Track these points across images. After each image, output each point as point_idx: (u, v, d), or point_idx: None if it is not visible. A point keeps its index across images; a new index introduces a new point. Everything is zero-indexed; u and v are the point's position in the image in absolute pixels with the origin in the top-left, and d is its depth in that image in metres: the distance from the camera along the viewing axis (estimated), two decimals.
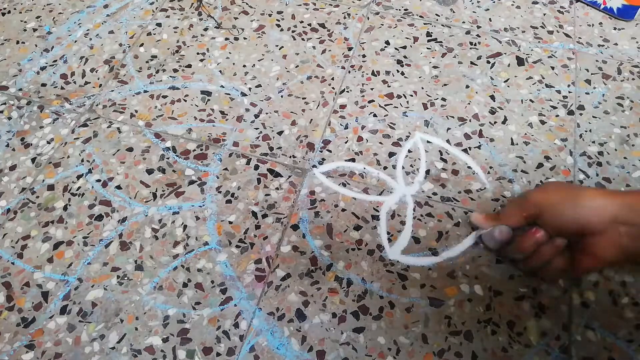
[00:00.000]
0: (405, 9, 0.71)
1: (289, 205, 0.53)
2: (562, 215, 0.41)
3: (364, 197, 0.54)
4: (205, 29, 0.69)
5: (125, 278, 0.49)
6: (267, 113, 0.60)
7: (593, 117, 0.59)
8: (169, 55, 0.66)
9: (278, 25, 0.69)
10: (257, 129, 0.59)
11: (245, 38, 0.68)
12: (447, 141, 0.57)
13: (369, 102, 0.61)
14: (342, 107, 0.61)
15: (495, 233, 0.44)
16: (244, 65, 0.65)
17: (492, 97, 0.61)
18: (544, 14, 0.70)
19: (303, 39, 0.67)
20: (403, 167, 0.56)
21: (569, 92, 0.62)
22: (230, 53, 0.66)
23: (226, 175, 0.56)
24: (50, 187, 0.55)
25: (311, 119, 0.60)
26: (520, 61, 0.64)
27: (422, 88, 0.62)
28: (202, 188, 0.55)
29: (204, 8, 0.72)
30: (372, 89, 0.62)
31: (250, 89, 0.62)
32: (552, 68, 0.64)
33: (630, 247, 0.40)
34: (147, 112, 0.61)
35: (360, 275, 0.49)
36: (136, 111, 0.61)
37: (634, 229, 0.39)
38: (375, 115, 0.60)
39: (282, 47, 0.67)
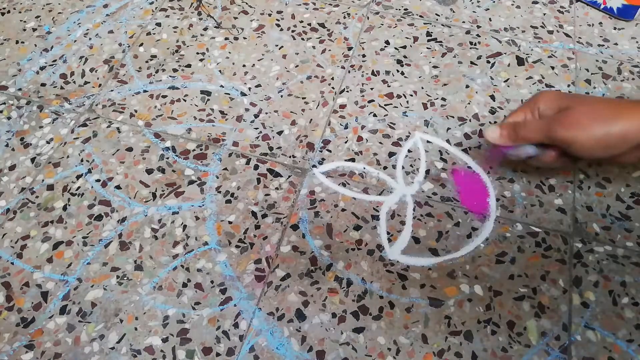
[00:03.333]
0: (405, 9, 0.71)
1: (288, 205, 0.53)
2: (592, 153, 0.43)
3: (364, 197, 0.54)
4: (205, 29, 0.69)
5: (125, 278, 0.49)
6: (266, 113, 0.60)
7: None
8: (168, 55, 0.66)
9: (278, 25, 0.69)
10: (256, 128, 0.59)
11: (245, 38, 0.68)
12: (447, 141, 0.57)
13: (369, 102, 0.61)
14: (342, 107, 0.61)
15: (522, 154, 0.47)
16: (244, 65, 0.65)
17: (492, 97, 0.61)
18: (544, 14, 0.70)
19: (303, 39, 0.67)
20: (403, 167, 0.56)
21: (569, 92, 0.61)
22: (230, 53, 0.66)
23: (226, 175, 0.56)
24: (50, 187, 0.55)
25: (311, 119, 0.60)
26: (520, 61, 0.64)
27: (422, 88, 0.62)
28: (201, 188, 0.55)
29: (203, 8, 0.72)
30: (372, 88, 0.62)
31: (250, 88, 0.62)
32: (552, 68, 0.64)
33: None
34: (147, 112, 0.61)
35: (360, 275, 0.49)
36: (136, 111, 0.61)
37: None
38: (375, 115, 0.60)
39: (282, 46, 0.67)
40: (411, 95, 0.61)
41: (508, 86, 0.62)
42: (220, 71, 0.64)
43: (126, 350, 0.45)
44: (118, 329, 0.47)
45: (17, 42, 0.68)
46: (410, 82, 0.63)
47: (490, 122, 0.59)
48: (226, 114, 0.60)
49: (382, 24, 0.69)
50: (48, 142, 0.58)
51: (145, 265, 0.50)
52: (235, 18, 0.70)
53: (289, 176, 0.55)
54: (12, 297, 0.48)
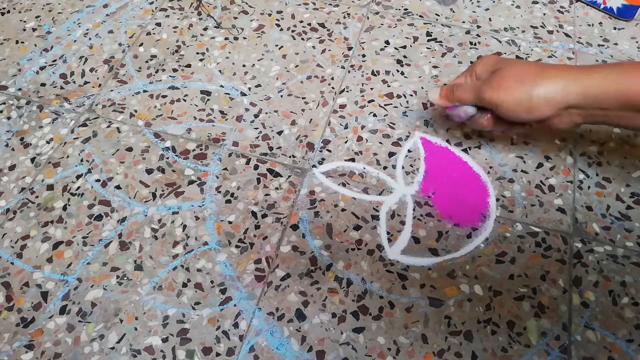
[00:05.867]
0: (405, 9, 0.71)
1: (288, 205, 0.53)
2: (518, 115, 0.45)
3: (364, 197, 0.54)
4: (205, 29, 0.69)
5: (125, 278, 0.49)
6: (266, 113, 0.60)
7: None
8: (168, 54, 0.66)
9: (278, 25, 0.69)
10: (256, 128, 0.59)
11: (244, 38, 0.68)
12: (447, 141, 0.57)
13: (369, 101, 0.61)
14: (342, 106, 0.61)
15: (461, 113, 0.49)
16: (244, 65, 0.65)
17: None
18: (544, 14, 0.70)
19: (303, 39, 0.67)
20: (403, 167, 0.56)
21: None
22: (229, 53, 0.66)
23: (226, 175, 0.56)
24: (50, 187, 0.55)
25: (311, 119, 0.60)
26: None
27: (422, 88, 0.62)
28: (201, 188, 0.55)
29: (203, 8, 0.72)
30: (372, 88, 0.62)
31: (249, 88, 0.62)
32: None
33: (581, 122, 0.44)
34: (147, 112, 0.61)
35: (360, 275, 0.49)
36: (136, 111, 0.61)
37: (585, 111, 0.43)
38: (375, 115, 0.60)
39: (282, 46, 0.67)
40: (411, 95, 0.61)
41: None
42: (220, 71, 0.64)
43: (126, 350, 0.45)
44: (118, 329, 0.47)
45: (17, 42, 0.68)
46: (410, 82, 0.63)
47: None
48: (226, 114, 0.60)
49: (382, 24, 0.69)
50: (48, 142, 0.58)
51: (145, 265, 0.50)
52: (235, 18, 0.70)
53: (289, 176, 0.55)
54: (12, 297, 0.48)
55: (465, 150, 0.57)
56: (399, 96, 0.61)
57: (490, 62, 0.47)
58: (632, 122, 0.42)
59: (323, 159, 0.56)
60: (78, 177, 0.56)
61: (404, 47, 0.66)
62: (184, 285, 0.49)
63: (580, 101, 0.42)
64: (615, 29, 0.68)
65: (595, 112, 0.43)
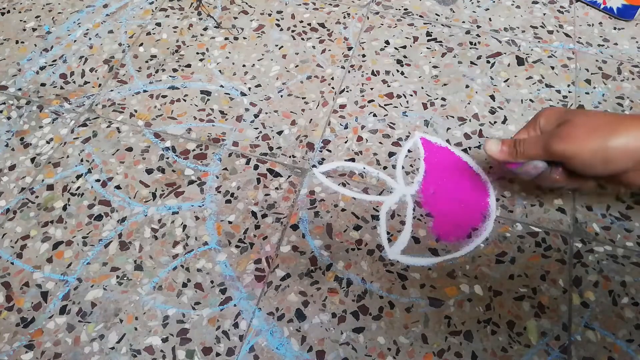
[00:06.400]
0: (405, 9, 0.71)
1: (288, 205, 0.53)
2: (593, 168, 0.40)
3: (364, 197, 0.54)
4: (205, 29, 0.69)
5: (125, 278, 0.49)
6: (266, 113, 0.60)
7: None
8: (168, 54, 0.66)
9: (278, 25, 0.69)
10: (256, 128, 0.59)
11: (244, 38, 0.68)
12: (447, 141, 0.57)
13: (369, 101, 0.61)
14: (342, 106, 0.61)
15: (530, 169, 0.44)
16: (244, 65, 0.65)
17: (492, 97, 0.61)
18: (544, 14, 0.70)
19: (303, 39, 0.67)
20: (403, 167, 0.56)
21: (569, 92, 0.61)
22: (229, 53, 0.66)
23: (226, 175, 0.56)
24: (50, 187, 0.55)
25: (311, 119, 0.60)
26: (520, 61, 0.64)
27: (422, 88, 0.62)
28: (201, 188, 0.55)
29: (203, 8, 0.72)
30: (371, 88, 0.62)
31: (249, 88, 0.62)
32: (552, 68, 0.64)
33: None
34: (147, 112, 0.61)
35: (360, 275, 0.49)
36: (136, 111, 0.61)
37: None
38: (375, 115, 0.60)
39: (282, 46, 0.67)
40: (411, 95, 0.61)
41: (508, 86, 0.62)
42: (220, 71, 0.64)
43: (126, 350, 0.45)
44: (118, 329, 0.46)
45: (17, 42, 0.68)
46: (410, 82, 0.63)
47: (490, 122, 0.59)
48: (226, 114, 0.60)
49: (382, 24, 0.69)
50: (48, 142, 0.58)
51: (145, 265, 0.50)
52: (235, 18, 0.70)
53: (289, 176, 0.55)
54: (12, 297, 0.48)
55: (465, 150, 0.57)
56: (399, 96, 0.61)
57: (555, 114, 0.43)
58: None
59: (323, 159, 0.56)
60: (78, 177, 0.56)
61: (404, 47, 0.66)
62: (184, 285, 0.49)
63: None
64: (615, 29, 0.68)
65: None
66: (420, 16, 0.70)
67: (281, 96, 0.62)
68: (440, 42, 0.67)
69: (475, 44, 0.66)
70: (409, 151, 0.57)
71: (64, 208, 0.54)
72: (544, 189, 0.53)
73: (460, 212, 0.52)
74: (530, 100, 0.61)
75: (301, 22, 0.69)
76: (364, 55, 0.65)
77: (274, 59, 0.65)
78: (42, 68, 0.65)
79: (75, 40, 0.68)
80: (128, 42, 0.68)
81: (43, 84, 0.64)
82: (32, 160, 0.57)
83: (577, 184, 0.44)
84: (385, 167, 0.56)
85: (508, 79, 0.63)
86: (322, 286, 0.48)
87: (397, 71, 0.64)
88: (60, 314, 0.47)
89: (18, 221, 0.53)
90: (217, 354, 0.45)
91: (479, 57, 0.65)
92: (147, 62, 0.66)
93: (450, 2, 0.72)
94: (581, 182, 0.44)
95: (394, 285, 0.48)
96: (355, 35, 0.68)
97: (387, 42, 0.67)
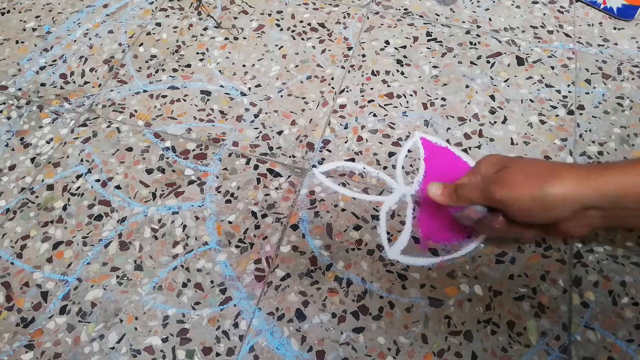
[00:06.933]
0: (405, 9, 0.71)
1: (288, 205, 0.53)
2: (532, 215, 0.40)
3: (364, 197, 0.54)
4: (205, 29, 0.69)
5: (125, 278, 0.49)
6: (266, 113, 0.60)
7: (593, 117, 0.59)
8: (168, 54, 0.66)
9: (278, 25, 0.69)
10: (256, 128, 0.59)
11: (244, 38, 0.68)
12: (447, 141, 0.57)
13: (369, 101, 0.61)
14: (342, 106, 0.61)
15: (471, 214, 0.45)
16: (244, 65, 0.65)
17: (492, 97, 0.61)
18: (544, 14, 0.70)
19: (303, 39, 0.67)
20: (403, 167, 0.56)
21: (569, 92, 0.61)
22: (229, 53, 0.66)
23: (226, 175, 0.56)
24: (50, 187, 0.55)
25: (311, 119, 0.60)
26: (520, 61, 0.64)
27: (422, 88, 0.62)
28: (201, 188, 0.55)
29: (203, 8, 0.72)
30: (371, 88, 0.62)
31: (249, 88, 0.62)
32: (552, 68, 0.64)
33: (600, 225, 0.41)
34: (147, 112, 0.61)
35: (360, 275, 0.49)
36: (135, 111, 0.61)
37: (605, 212, 0.40)
38: (375, 115, 0.60)
39: (282, 46, 0.67)
40: (411, 95, 0.61)
41: (508, 86, 0.62)
42: (220, 71, 0.64)
43: (126, 350, 0.45)
44: (118, 329, 0.46)
45: (17, 42, 0.68)
46: (410, 82, 0.63)
47: (490, 122, 0.59)
48: (226, 114, 0.60)
49: (382, 24, 0.69)
50: (48, 142, 0.58)
51: (145, 265, 0.50)
52: (235, 18, 0.70)
53: (289, 176, 0.55)
54: (12, 297, 0.48)
55: (465, 150, 0.57)
56: (399, 96, 0.61)
57: (496, 160, 0.44)
58: None
59: (323, 159, 0.56)
60: (78, 177, 0.56)
61: (404, 47, 0.66)
62: (184, 285, 0.49)
63: (598, 200, 0.38)
64: (615, 29, 0.68)
65: (615, 212, 0.39)
66: (420, 16, 0.70)
67: (281, 96, 0.62)
68: (440, 42, 0.67)
69: (475, 44, 0.66)
70: (409, 151, 0.57)
71: (64, 208, 0.54)
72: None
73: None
74: (530, 100, 0.61)
75: (301, 22, 0.69)
76: (364, 55, 0.65)
77: (274, 59, 0.65)
78: (42, 68, 0.65)
79: (75, 40, 0.68)
80: (128, 42, 0.68)
81: (43, 84, 0.64)
82: (32, 160, 0.57)
83: (517, 232, 0.44)
84: (385, 167, 0.56)
85: (508, 79, 0.63)
86: (322, 286, 0.48)
87: (397, 71, 0.64)
88: (60, 314, 0.47)
89: (18, 221, 0.53)
90: (217, 354, 0.45)
91: (479, 57, 0.65)
92: (147, 62, 0.66)
93: (450, 2, 0.72)
94: (521, 231, 0.44)
95: (394, 285, 0.48)
96: (355, 35, 0.68)
97: (387, 42, 0.67)
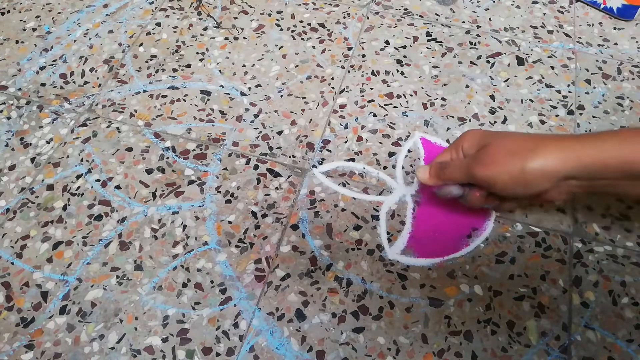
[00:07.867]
0: (405, 9, 0.71)
1: (288, 205, 0.53)
2: (514, 191, 0.42)
3: (364, 197, 0.54)
4: (205, 29, 0.69)
5: (125, 278, 0.49)
6: (266, 113, 0.60)
7: (593, 116, 0.59)
8: (168, 54, 0.66)
9: (278, 25, 0.69)
10: (256, 128, 0.59)
11: (244, 38, 0.68)
12: (447, 141, 0.57)
13: (369, 101, 0.61)
14: (342, 106, 0.61)
15: (448, 193, 0.47)
16: (244, 65, 0.65)
17: (492, 97, 0.61)
18: (544, 14, 0.70)
19: (303, 39, 0.67)
20: (403, 167, 0.56)
21: (569, 91, 0.62)
22: (229, 53, 0.66)
23: (226, 175, 0.56)
24: (50, 187, 0.55)
25: (311, 119, 0.60)
26: (520, 61, 0.64)
27: (422, 88, 0.62)
28: (201, 188, 0.55)
29: (203, 8, 0.72)
30: (371, 88, 0.62)
31: (249, 88, 0.62)
32: (552, 68, 0.64)
33: (581, 192, 0.43)
34: (147, 112, 0.61)
35: (360, 275, 0.49)
36: (135, 111, 0.61)
37: (585, 182, 0.41)
38: (375, 115, 0.60)
39: (282, 46, 0.67)
40: (411, 95, 0.61)
41: (508, 86, 0.62)
42: (220, 71, 0.64)
43: (126, 350, 0.45)
44: (118, 329, 0.47)
45: (17, 42, 0.68)
46: (410, 82, 0.63)
47: (490, 122, 0.59)
48: (226, 114, 0.60)
49: (382, 24, 0.69)
50: (48, 142, 0.58)
51: (145, 265, 0.50)
52: (235, 18, 0.70)
53: (289, 176, 0.55)
54: (12, 297, 0.48)
55: None
56: (399, 96, 0.61)
57: (477, 137, 0.44)
58: (636, 191, 0.40)
59: (323, 159, 0.56)
60: (78, 177, 0.56)
61: (404, 47, 0.66)
62: (184, 285, 0.49)
63: (578, 171, 0.39)
64: (615, 29, 0.68)
65: (595, 182, 0.40)
66: (420, 16, 0.70)
67: (281, 96, 0.62)
68: (440, 42, 0.67)
69: (475, 44, 0.66)
70: (409, 151, 0.57)
71: (64, 208, 0.54)
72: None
73: (461, 212, 0.52)
74: (530, 100, 0.61)
75: (301, 22, 0.69)
76: (364, 55, 0.65)
77: (274, 59, 0.65)
78: (42, 68, 0.65)
79: (75, 40, 0.68)
80: (128, 42, 0.68)
81: (43, 84, 0.64)
82: (32, 160, 0.57)
83: (498, 203, 0.46)
84: (385, 167, 0.56)
85: (508, 79, 0.63)
86: (322, 286, 0.48)
87: (397, 71, 0.64)
88: (60, 314, 0.47)
89: (18, 221, 0.53)
90: (217, 354, 0.45)
91: (479, 57, 0.65)
92: (147, 62, 0.66)
93: (450, 2, 0.72)
94: (502, 202, 0.46)
95: (394, 285, 0.48)
96: (355, 35, 0.68)
97: (387, 42, 0.67)
